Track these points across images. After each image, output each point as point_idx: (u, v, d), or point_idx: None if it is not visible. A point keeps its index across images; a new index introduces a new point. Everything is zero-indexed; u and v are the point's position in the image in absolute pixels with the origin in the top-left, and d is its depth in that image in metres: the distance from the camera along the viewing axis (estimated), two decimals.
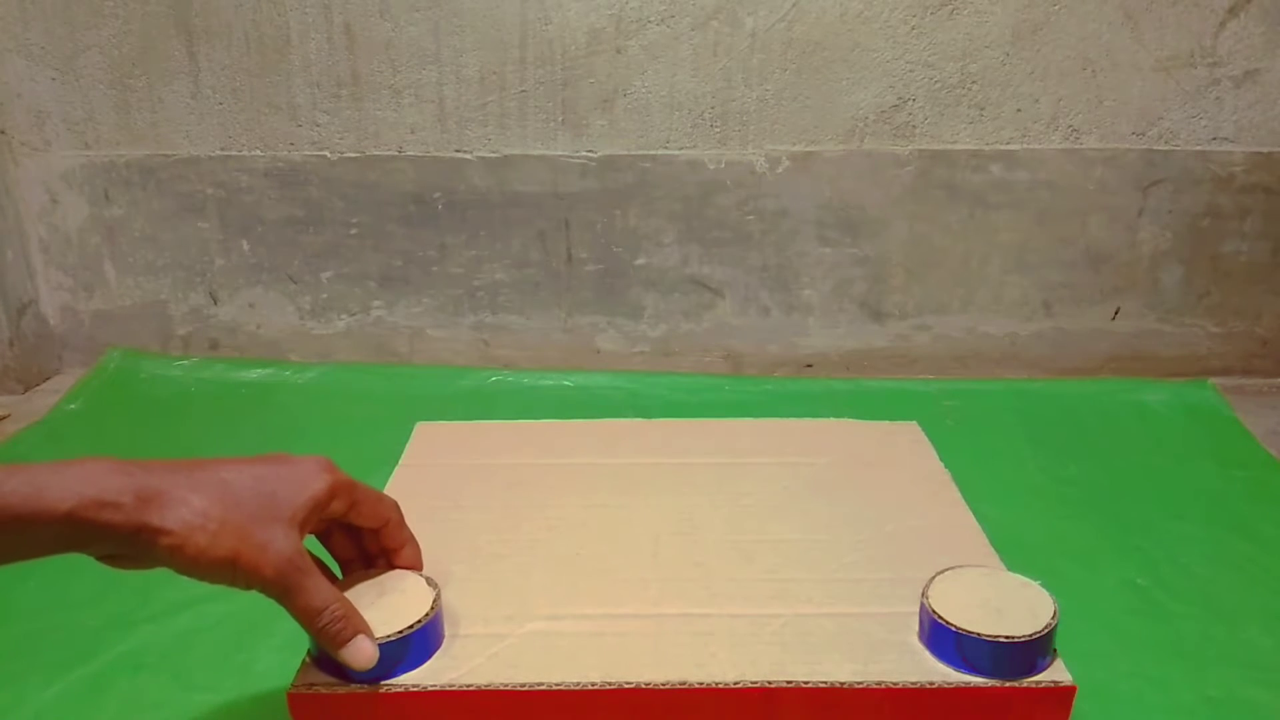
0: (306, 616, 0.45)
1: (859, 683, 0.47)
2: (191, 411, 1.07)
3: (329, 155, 1.11)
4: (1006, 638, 0.47)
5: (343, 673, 0.47)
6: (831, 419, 0.78)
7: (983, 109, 1.06)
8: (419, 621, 0.48)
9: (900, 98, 1.06)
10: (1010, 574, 0.53)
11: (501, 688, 0.47)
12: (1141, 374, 1.15)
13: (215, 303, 1.18)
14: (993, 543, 0.59)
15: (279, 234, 1.14)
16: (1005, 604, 0.49)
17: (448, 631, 0.51)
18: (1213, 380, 1.10)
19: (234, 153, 1.11)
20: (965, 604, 0.49)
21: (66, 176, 1.12)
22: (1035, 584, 0.51)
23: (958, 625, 0.47)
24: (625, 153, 1.09)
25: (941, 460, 0.70)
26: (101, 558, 0.43)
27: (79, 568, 0.74)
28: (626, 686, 0.47)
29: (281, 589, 0.44)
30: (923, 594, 0.50)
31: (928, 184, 1.09)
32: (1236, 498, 0.88)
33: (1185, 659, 0.67)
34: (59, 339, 1.20)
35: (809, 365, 1.18)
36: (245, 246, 1.15)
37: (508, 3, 1.03)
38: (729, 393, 1.10)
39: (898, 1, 1.02)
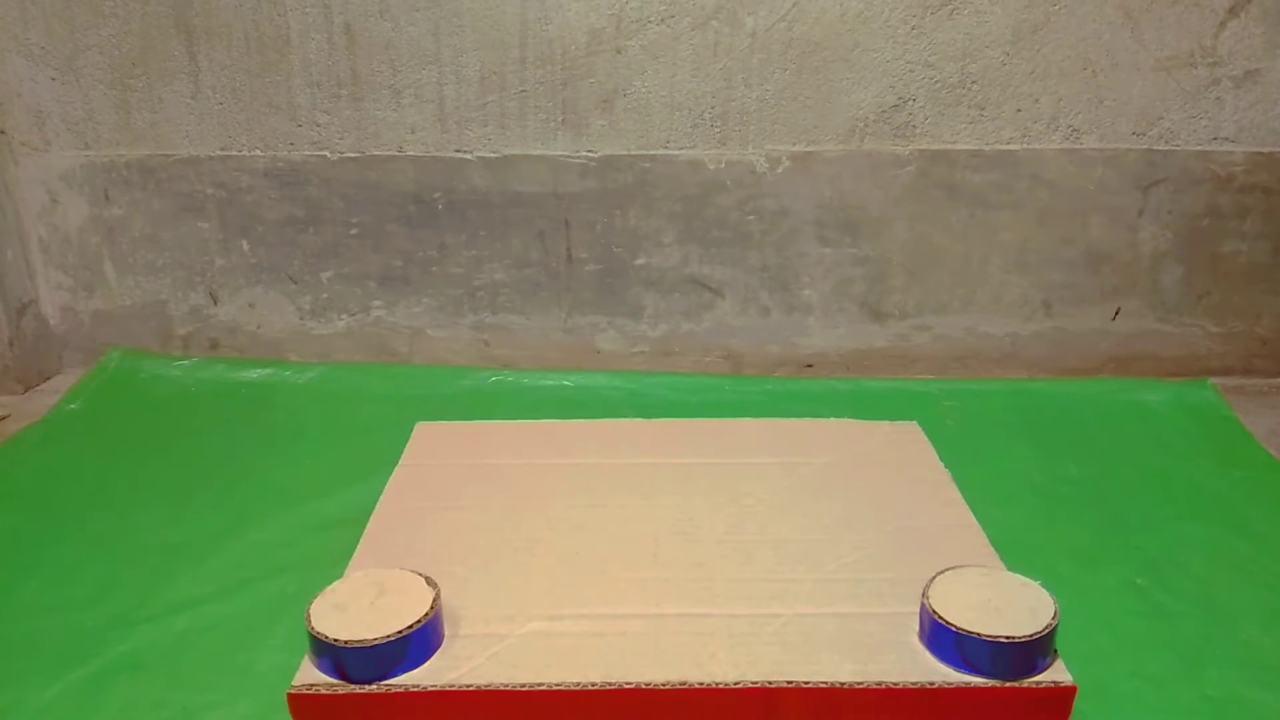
0: None
1: (859, 683, 0.47)
2: (191, 411, 1.07)
3: (329, 155, 1.11)
4: (1006, 638, 0.47)
5: (343, 673, 0.47)
6: (831, 419, 0.78)
7: (983, 109, 1.06)
8: (419, 621, 0.48)
9: (900, 98, 1.06)
10: (1010, 574, 0.53)
11: (501, 688, 0.47)
12: (1141, 374, 1.15)
13: (215, 303, 1.18)
14: (993, 543, 0.59)
15: (279, 234, 1.14)
16: (1005, 604, 0.49)
17: (448, 631, 0.51)
18: (1213, 380, 1.10)
19: (234, 153, 1.11)
20: (965, 604, 0.49)
21: (66, 176, 1.12)
22: (1035, 584, 0.51)
23: (958, 625, 0.47)
24: (625, 153, 1.09)
25: (941, 460, 0.70)
26: None
27: (79, 568, 0.74)
28: (626, 686, 0.47)
29: None
30: (923, 594, 0.50)
31: (928, 184, 1.09)
32: (1236, 498, 0.88)
33: (1185, 659, 0.67)
34: (59, 339, 1.20)
35: (809, 365, 1.18)
36: (245, 246, 1.15)
37: (508, 3, 1.03)
38: (729, 393, 1.10)
39: (898, 1, 1.02)
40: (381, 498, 0.66)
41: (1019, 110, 1.06)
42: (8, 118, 1.10)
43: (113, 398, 1.09)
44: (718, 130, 1.08)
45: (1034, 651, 0.47)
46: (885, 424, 0.76)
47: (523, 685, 0.47)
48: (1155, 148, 1.07)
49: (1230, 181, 1.08)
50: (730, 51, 1.05)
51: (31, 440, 1.00)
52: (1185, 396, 1.06)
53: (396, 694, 0.47)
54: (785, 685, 0.47)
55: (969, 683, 0.47)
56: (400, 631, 0.47)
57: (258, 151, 1.11)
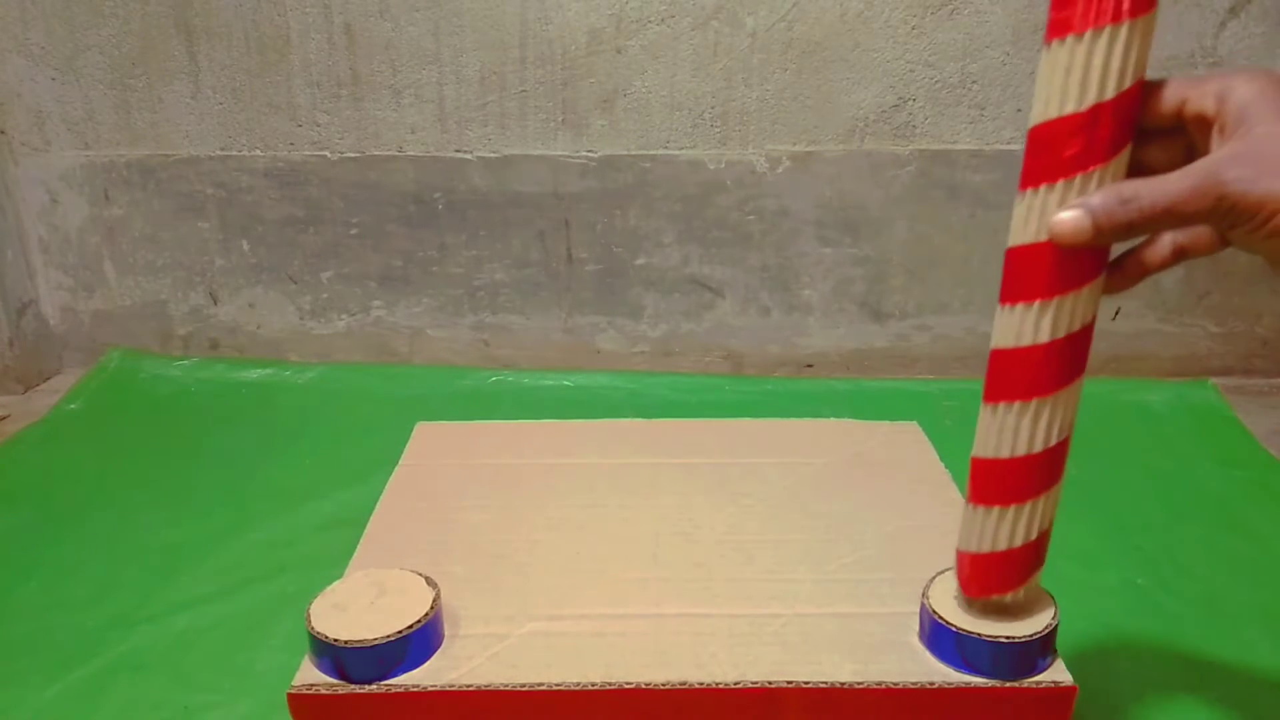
0: None
1: (859, 683, 0.47)
2: (191, 411, 1.07)
3: (329, 155, 1.11)
4: (1007, 638, 0.47)
5: (343, 673, 0.47)
6: (831, 419, 0.78)
7: (983, 109, 1.06)
8: (419, 621, 0.48)
9: (900, 98, 1.06)
10: None
11: (501, 688, 0.47)
12: (1142, 374, 1.15)
13: (215, 303, 1.18)
14: None
15: (279, 234, 1.14)
16: (1005, 604, 0.49)
17: (448, 631, 0.51)
18: (1213, 380, 1.10)
19: (234, 153, 1.11)
20: (965, 604, 0.49)
21: (66, 176, 1.12)
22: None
23: (958, 625, 0.47)
24: (625, 153, 1.09)
25: (941, 460, 0.70)
26: None
27: (79, 568, 0.74)
28: (626, 687, 0.47)
29: None
30: (923, 594, 0.50)
31: (928, 184, 1.09)
32: (1236, 498, 0.88)
33: (1185, 659, 0.67)
34: (59, 339, 1.20)
35: (809, 365, 1.18)
36: (245, 246, 1.15)
37: (508, 3, 1.03)
38: (729, 393, 1.10)
39: (898, 1, 1.02)
40: (381, 498, 0.66)
41: (1019, 110, 1.06)
42: (8, 118, 1.10)
43: (113, 398, 1.09)
44: (718, 130, 1.08)
45: (1034, 652, 0.47)
46: (885, 424, 0.75)
47: (523, 685, 0.47)
48: None
49: None
50: (730, 51, 1.05)
51: (31, 440, 1.00)
52: (1186, 396, 1.06)
53: (396, 694, 0.47)
54: (785, 685, 0.47)
55: (969, 683, 0.47)
56: (400, 631, 0.47)
57: (258, 151, 1.11)
